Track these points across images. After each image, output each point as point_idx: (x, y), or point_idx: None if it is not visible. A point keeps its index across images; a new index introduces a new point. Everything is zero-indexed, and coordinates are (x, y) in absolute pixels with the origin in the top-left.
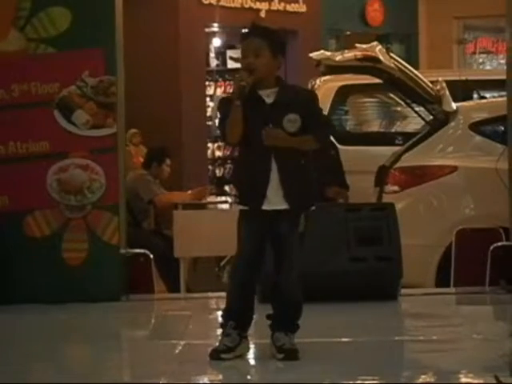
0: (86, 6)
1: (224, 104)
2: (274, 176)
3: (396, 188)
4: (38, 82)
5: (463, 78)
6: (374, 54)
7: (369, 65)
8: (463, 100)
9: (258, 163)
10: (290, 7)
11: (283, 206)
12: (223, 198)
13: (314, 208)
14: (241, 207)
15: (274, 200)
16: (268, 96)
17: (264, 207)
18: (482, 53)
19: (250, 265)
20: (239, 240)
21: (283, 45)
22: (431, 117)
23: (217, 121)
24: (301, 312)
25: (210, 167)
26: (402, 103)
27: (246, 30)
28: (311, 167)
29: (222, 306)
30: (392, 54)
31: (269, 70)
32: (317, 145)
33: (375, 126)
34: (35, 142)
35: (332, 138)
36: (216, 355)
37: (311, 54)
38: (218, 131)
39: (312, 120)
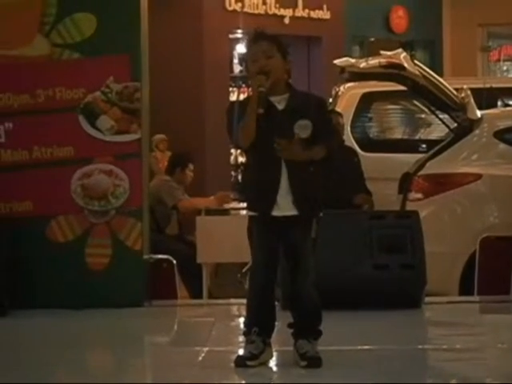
0: (112, 11)
1: (237, 107)
2: (284, 182)
3: (420, 195)
4: (62, 88)
5: (487, 85)
6: (398, 61)
7: (393, 72)
8: (488, 108)
9: (268, 169)
10: (314, 14)
11: (293, 211)
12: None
13: (322, 214)
14: (251, 213)
15: (284, 206)
16: (279, 102)
17: (274, 213)
18: (507, 60)
19: (266, 270)
20: (252, 247)
21: (287, 50)
22: (455, 124)
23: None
24: (321, 317)
25: (232, 173)
26: (427, 110)
27: (252, 36)
28: (320, 174)
29: (245, 312)
30: (416, 61)
31: (281, 72)
32: (326, 154)
33: (399, 133)
34: (60, 147)
35: (355, 145)
36: (241, 362)
37: (335, 61)
38: (229, 133)
39: (322, 127)
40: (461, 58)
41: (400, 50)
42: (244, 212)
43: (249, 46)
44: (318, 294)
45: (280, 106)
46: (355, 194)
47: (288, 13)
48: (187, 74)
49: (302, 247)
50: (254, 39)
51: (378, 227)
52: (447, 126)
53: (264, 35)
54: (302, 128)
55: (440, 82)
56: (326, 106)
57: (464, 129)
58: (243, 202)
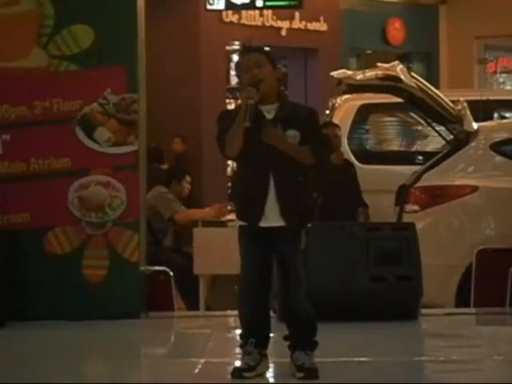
0: (109, 23)
1: (224, 117)
2: (272, 193)
3: (416, 207)
4: (60, 99)
5: (484, 97)
6: (395, 73)
7: (390, 84)
8: (484, 120)
9: (256, 179)
10: (311, 26)
11: (280, 223)
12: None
13: (310, 225)
14: (240, 223)
15: (271, 217)
16: (269, 112)
17: (261, 224)
18: (503, 72)
19: (254, 280)
20: (241, 257)
21: (276, 59)
22: (452, 136)
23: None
24: (315, 328)
25: (229, 184)
26: (423, 122)
27: (241, 49)
28: (309, 184)
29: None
30: (413, 73)
31: (272, 80)
32: (312, 160)
33: (396, 145)
34: (57, 158)
35: (352, 157)
36: (238, 374)
37: (332, 73)
38: (218, 142)
39: (310, 136)
40: (457, 70)
41: (397, 62)
42: None
43: (239, 60)
44: (311, 304)
45: (269, 116)
46: (351, 206)
47: (285, 25)
48: (184, 85)
49: (290, 258)
50: (242, 52)
51: (375, 239)
52: (444, 138)
53: (252, 47)
54: (290, 138)
55: (436, 95)
56: (315, 116)
57: (460, 141)
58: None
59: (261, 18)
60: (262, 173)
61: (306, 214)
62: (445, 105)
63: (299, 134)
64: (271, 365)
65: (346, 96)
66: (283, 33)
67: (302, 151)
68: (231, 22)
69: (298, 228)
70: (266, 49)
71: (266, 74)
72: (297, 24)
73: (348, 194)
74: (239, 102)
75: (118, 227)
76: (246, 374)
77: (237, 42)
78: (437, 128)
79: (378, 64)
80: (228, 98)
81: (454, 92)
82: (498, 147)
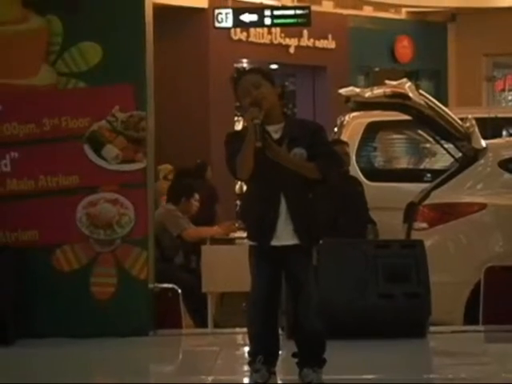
0: (117, 41)
1: (232, 140)
2: (283, 211)
3: (425, 225)
4: (68, 117)
5: (492, 115)
6: (403, 91)
7: (398, 101)
8: (492, 137)
9: (266, 199)
10: (319, 43)
11: (293, 241)
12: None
13: (321, 242)
14: (251, 243)
15: (283, 235)
16: (276, 132)
17: (273, 243)
18: None
19: (265, 299)
20: (252, 276)
21: (273, 76)
22: (460, 154)
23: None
24: (324, 346)
25: (238, 202)
26: (431, 140)
27: (236, 75)
28: (318, 201)
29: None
30: (421, 91)
31: (274, 97)
32: (319, 175)
33: (404, 163)
34: (65, 176)
35: (360, 175)
36: None
37: (340, 91)
38: (228, 165)
39: (316, 150)
40: (466, 87)
41: (405, 79)
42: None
43: (235, 85)
44: (321, 322)
45: (276, 135)
46: (358, 224)
47: (293, 42)
48: (193, 102)
49: (303, 276)
50: (238, 76)
51: (383, 256)
52: (452, 156)
53: (246, 70)
54: (297, 156)
55: (445, 112)
56: (322, 132)
57: (469, 158)
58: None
59: (269, 36)
60: (273, 192)
61: (319, 231)
62: (453, 122)
63: (305, 151)
64: (280, 382)
65: (355, 114)
66: (291, 50)
67: (307, 166)
68: (239, 40)
69: (311, 245)
70: (261, 67)
71: (265, 93)
72: (305, 42)
73: (355, 210)
74: (245, 123)
75: (126, 244)
76: None
77: (245, 60)
78: (445, 145)
79: (386, 81)
80: (236, 115)
81: (463, 109)
82: (506, 164)
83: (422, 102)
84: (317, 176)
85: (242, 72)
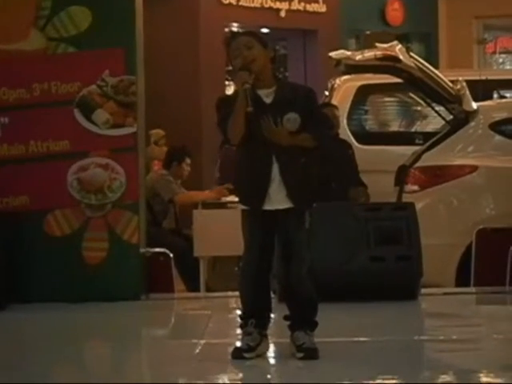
0: (107, 5)
1: (223, 104)
2: (276, 175)
3: (416, 187)
4: (58, 82)
5: (483, 77)
6: (394, 54)
7: (389, 64)
8: (483, 100)
9: (259, 163)
10: (310, 7)
11: (286, 204)
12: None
13: (315, 205)
14: (243, 207)
15: (277, 199)
16: (267, 96)
17: (266, 207)
18: (502, 52)
19: (258, 263)
20: (245, 240)
21: (266, 40)
22: (451, 116)
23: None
24: (316, 308)
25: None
26: (422, 103)
27: (228, 36)
28: (312, 164)
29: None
30: (412, 54)
31: (265, 60)
32: (315, 143)
33: (395, 126)
34: (55, 141)
35: (351, 138)
36: (238, 354)
37: (331, 54)
38: (220, 129)
39: (310, 118)
40: (457, 50)
41: (395, 42)
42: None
43: (227, 46)
44: (313, 284)
45: (268, 100)
46: (350, 187)
47: (284, 6)
48: (183, 67)
49: (296, 239)
50: (231, 37)
51: (374, 219)
52: (443, 118)
53: (239, 32)
54: (291, 122)
55: (435, 74)
56: (313, 96)
57: (460, 121)
58: (237, 195)
59: (259, 0)
60: (265, 156)
61: (312, 193)
62: (444, 85)
63: (299, 116)
64: (271, 345)
65: (345, 77)
66: (282, 14)
67: (304, 140)
68: (230, 4)
69: (305, 208)
70: (255, 30)
71: (256, 55)
72: (296, 5)
73: (344, 174)
74: (236, 87)
75: (117, 209)
76: (246, 355)
77: (235, 24)
78: (436, 108)
79: (377, 44)
80: (227, 79)
81: (454, 72)
82: (497, 127)
83: (413, 65)
84: (312, 144)
85: (235, 33)
